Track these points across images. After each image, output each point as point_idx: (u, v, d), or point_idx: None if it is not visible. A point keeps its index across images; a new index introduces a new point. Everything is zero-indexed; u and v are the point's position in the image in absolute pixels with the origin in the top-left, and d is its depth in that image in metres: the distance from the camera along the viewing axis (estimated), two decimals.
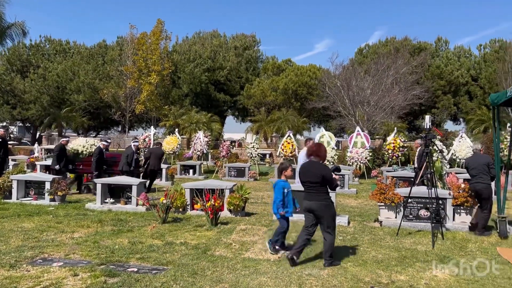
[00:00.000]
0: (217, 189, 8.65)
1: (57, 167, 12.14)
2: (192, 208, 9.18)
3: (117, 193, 9.82)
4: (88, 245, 6.36)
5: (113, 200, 9.73)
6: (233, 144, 30.22)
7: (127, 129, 40.41)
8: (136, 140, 13.61)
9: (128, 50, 38.19)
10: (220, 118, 41.64)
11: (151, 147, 13.81)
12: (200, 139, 21.02)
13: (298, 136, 33.05)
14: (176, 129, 25.66)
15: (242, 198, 8.82)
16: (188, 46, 46.99)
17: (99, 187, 9.73)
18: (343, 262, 5.67)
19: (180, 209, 9.02)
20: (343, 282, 4.87)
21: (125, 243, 6.51)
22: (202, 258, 5.75)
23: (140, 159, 13.41)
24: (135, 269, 5.21)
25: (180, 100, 41.88)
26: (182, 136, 26.04)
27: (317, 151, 5.73)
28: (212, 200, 7.98)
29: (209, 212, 7.89)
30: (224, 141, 21.83)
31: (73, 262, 5.45)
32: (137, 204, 9.47)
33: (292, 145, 20.20)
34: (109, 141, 13.94)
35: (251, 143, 20.61)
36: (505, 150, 15.08)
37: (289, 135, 20.68)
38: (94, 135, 47.06)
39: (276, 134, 32.16)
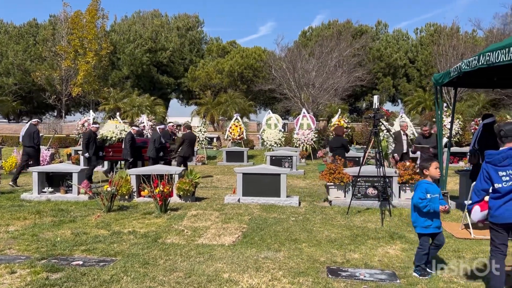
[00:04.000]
0: (165, 175, 8.32)
1: (86, 155, 11.30)
2: (139, 195, 8.79)
3: (56, 181, 9.17)
4: (26, 238, 5.85)
5: (52, 189, 9.08)
6: (178, 128, 29.52)
7: (63, 114, 38.20)
8: (169, 123, 12.90)
9: (62, 29, 35.82)
10: (163, 101, 40.48)
11: (184, 132, 13.00)
12: (144, 123, 20.26)
13: (245, 119, 32.96)
14: (117, 113, 24.58)
15: (192, 183, 8.57)
16: (128, 26, 44.98)
17: (35, 175, 9.02)
18: (298, 243, 5.66)
19: (126, 197, 8.61)
20: (300, 264, 4.84)
21: (68, 234, 6.06)
22: (153, 246, 5.49)
23: (169, 145, 12.68)
24: (81, 262, 4.85)
25: (120, 82, 40.16)
26: (123, 120, 25.01)
27: (338, 131, 10.45)
28: (161, 186, 7.66)
29: (158, 198, 7.57)
30: (173, 125, 21.20)
31: (10, 258, 4.97)
32: (78, 193, 8.90)
33: (240, 128, 20.08)
34: (141, 125, 13.19)
35: (198, 126, 20.19)
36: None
37: (236, 118, 20.52)
38: (27, 121, 44.05)
39: (223, 117, 31.90)
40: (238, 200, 8.42)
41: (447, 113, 18.73)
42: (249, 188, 8.44)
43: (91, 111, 25.00)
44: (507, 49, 5.00)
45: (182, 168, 9.49)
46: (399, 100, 44.85)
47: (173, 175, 8.56)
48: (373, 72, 36.92)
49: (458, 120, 20.10)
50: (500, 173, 3.81)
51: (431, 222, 4.42)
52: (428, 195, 4.38)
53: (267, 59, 33.90)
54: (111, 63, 39.75)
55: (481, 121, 8.09)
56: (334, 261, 4.96)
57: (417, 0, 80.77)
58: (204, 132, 19.33)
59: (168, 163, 11.97)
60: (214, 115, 33.77)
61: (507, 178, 3.79)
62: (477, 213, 3.94)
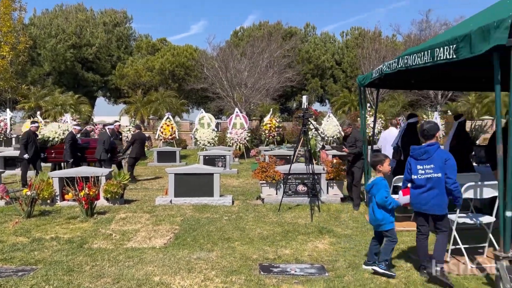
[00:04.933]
0: (91, 177, 7.92)
1: (25, 156, 10.25)
2: (63, 199, 8.29)
3: None
4: None
5: None
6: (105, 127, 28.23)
7: None
8: (115, 122, 12.16)
9: None
10: (89, 99, 38.52)
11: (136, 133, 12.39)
12: (68, 123, 19.13)
13: (177, 118, 32.39)
14: (38, 112, 23.02)
15: (120, 185, 8.24)
16: (49, 19, 42.15)
17: None
18: (230, 242, 5.67)
19: (48, 201, 8.07)
20: (233, 262, 4.85)
21: None
22: (78, 252, 5.20)
23: (117, 146, 11.93)
24: None
25: (41, 79, 37.59)
26: (45, 120, 23.46)
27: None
28: (86, 188, 7.28)
29: (83, 202, 7.18)
30: (96, 125, 20.24)
31: None
32: None
33: (172, 128, 19.71)
34: (77, 122, 12.18)
35: (127, 126, 19.50)
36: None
37: (168, 117, 20.13)
38: None
39: (154, 117, 31.05)
40: (170, 201, 8.25)
41: (371, 113, 19.87)
42: (182, 189, 8.31)
43: (7, 110, 23.11)
44: (422, 53, 5.37)
45: (109, 169, 9.10)
46: (326, 100, 46.60)
47: (100, 177, 8.17)
48: (302, 73, 38.05)
49: (380, 119, 21.40)
50: (418, 166, 4.34)
51: (393, 217, 4.56)
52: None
53: (199, 58, 33.58)
54: (31, 58, 37.04)
55: (405, 120, 8.66)
56: (266, 258, 5.04)
57: (343, 4, 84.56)
58: (134, 131, 18.72)
59: (118, 164, 11.49)
60: (144, 114, 32.73)
61: (422, 172, 4.31)
62: (401, 197, 4.49)
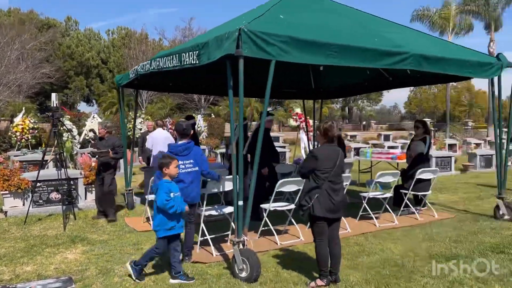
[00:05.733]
0: None
1: None
2: None
3: None
4: None
5: None
6: None
7: None
8: None
9: None
10: None
11: None
12: None
13: None
14: None
15: None
16: None
17: None
18: None
19: None
20: None
21: None
22: None
23: None
24: None
25: None
26: None
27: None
28: None
29: None
30: None
31: None
32: None
33: None
34: None
35: None
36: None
37: None
38: None
39: None
40: None
41: (138, 114, 19.82)
42: None
43: None
44: (171, 57, 5.58)
45: None
46: (94, 101, 44.19)
47: None
48: (64, 70, 34.93)
49: (148, 120, 21.54)
50: (180, 162, 4.54)
51: (176, 223, 4.23)
52: (172, 194, 4.17)
53: None
54: None
55: (171, 122, 8.88)
56: (0, 280, 4.31)
57: (109, 2, 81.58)
58: None
59: None
60: None
61: (183, 166, 4.64)
62: None
